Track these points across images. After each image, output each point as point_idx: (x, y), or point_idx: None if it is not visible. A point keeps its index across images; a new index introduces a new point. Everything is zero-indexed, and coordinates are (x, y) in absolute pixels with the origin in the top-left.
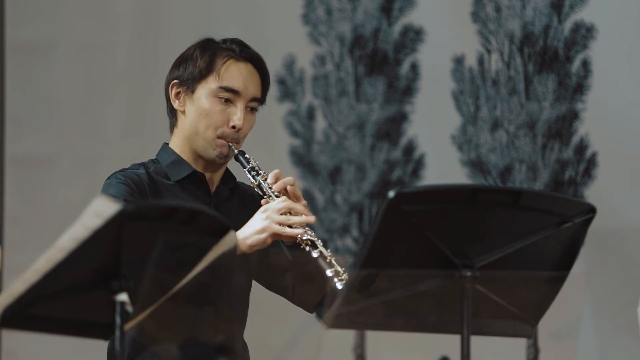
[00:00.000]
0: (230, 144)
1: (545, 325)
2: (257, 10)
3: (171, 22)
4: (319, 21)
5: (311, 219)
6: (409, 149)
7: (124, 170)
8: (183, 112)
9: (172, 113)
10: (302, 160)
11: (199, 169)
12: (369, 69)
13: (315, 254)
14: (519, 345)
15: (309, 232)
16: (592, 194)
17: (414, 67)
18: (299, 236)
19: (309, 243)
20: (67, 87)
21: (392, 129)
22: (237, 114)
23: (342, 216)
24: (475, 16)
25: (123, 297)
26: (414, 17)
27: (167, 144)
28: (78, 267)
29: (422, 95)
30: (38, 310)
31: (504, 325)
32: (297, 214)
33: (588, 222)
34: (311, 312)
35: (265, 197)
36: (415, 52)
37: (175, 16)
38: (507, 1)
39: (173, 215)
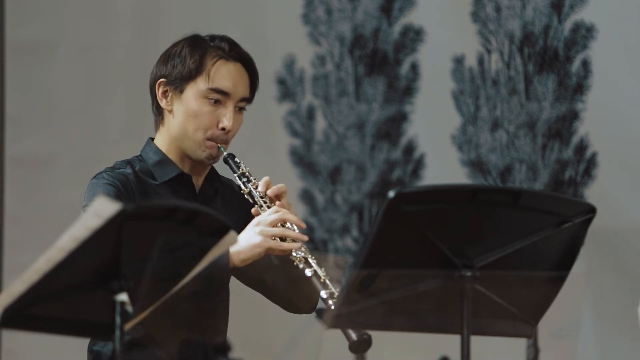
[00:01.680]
0: (220, 146)
1: (545, 325)
2: (257, 10)
3: (171, 22)
4: (319, 21)
5: (304, 237)
6: (409, 149)
7: (111, 169)
8: (170, 111)
9: (158, 111)
10: (302, 160)
11: (185, 169)
12: (369, 69)
13: (308, 273)
14: (519, 345)
15: (304, 248)
16: (592, 194)
17: (414, 67)
18: (293, 252)
19: (302, 260)
20: (67, 87)
21: (392, 129)
22: (226, 115)
23: (342, 216)
24: (475, 16)
25: (123, 297)
26: (414, 17)
27: (152, 139)
28: (78, 267)
29: (422, 95)
30: (38, 310)
31: (504, 325)
32: (290, 223)
33: (588, 222)
34: (291, 311)
35: (256, 205)
36: (415, 52)
37: (175, 16)
38: (507, 1)
39: (172, 215)
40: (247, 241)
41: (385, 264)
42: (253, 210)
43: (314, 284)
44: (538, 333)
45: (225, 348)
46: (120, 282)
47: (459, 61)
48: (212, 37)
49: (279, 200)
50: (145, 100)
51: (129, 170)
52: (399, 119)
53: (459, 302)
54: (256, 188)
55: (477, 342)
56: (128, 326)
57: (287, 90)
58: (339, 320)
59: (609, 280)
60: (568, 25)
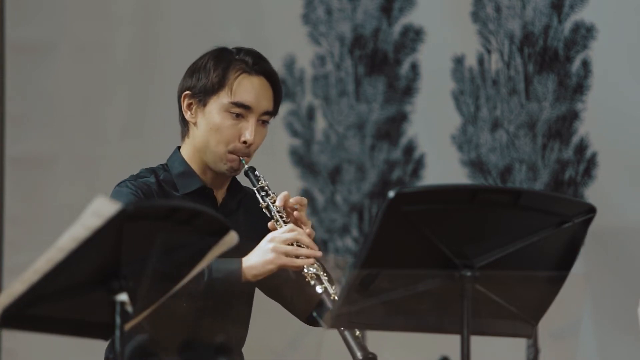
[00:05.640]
0: (241, 159)
1: (545, 325)
2: (257, 10)
3: (171, 22)
4: (319, 21)
5: (318, 253)
6: (409, 149)
7: (135, 177)
8: (195, 123)
9: (184, 122)
10: (302, 160)
11: (208, 181)
12: (369, 69)
13: (319, 290)
14: (519, 345)
15: (316, 264)
16: (592, 194)
17: (414, 67)
18: (305, 269)
19: (314, 277)
20: (67, 87)
21: (392, 129)
22: (248, 129)
23: (342, 216)
24: (475, 16)
25: (123, 297)
26: (414, 17)
27: (179, 148)
28: (78, 267)
29: (422, 95)
30: (38, 310)
31: (504, 325)
32: (304, 245)
33: (588, 222)
34: (305, 322)
35: (272, 220)
36: (415, 52)
37: (175, 16)
38: (507, 1)
39: (173, 215)
40: (260, 257)
41: (385, 264)
42: (269, 224)
43: (323, 301)
44: (538, 333)
45: (227, 349)
46: (120, 282)
47: (459, 61)
48: (238, 50)
49: (298, 212)
50: (145, 100)
51: (152, 180)
52: (399, 119)
53: (459, 302)
54: (274, 202)
55: (477, 342)
56: (128, 326)
57: (287, 90)
58: (339, 320)
59: (609, 280)
60: (568, 25)
